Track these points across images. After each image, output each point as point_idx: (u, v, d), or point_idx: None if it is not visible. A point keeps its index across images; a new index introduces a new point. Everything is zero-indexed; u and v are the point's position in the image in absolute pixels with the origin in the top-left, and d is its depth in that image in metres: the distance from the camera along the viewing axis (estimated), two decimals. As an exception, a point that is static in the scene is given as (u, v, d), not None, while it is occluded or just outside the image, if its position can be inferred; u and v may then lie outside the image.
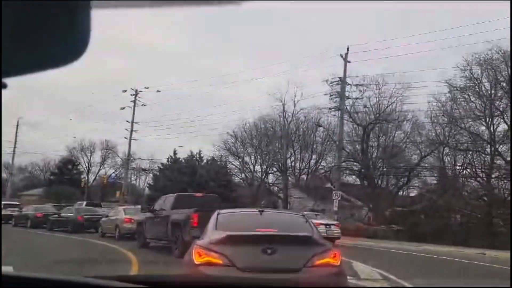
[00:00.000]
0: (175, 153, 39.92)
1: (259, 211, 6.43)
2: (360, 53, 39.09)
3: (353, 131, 35.78)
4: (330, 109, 33.31)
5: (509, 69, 26.28)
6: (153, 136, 53.83)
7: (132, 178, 59.06)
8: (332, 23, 65.53)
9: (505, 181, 29.16)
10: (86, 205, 29.22)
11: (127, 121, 43.98)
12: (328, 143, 38.46)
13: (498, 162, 28.70)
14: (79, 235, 19.87)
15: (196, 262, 5.20)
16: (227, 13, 69.64)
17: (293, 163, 41.61)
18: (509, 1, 15.50)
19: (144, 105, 43.83)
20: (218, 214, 6.18)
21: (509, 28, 21.37)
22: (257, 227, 5.66)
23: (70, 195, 43.18)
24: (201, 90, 69.67)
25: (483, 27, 41.59)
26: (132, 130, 43.93)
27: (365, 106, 33.95)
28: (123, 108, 43.63)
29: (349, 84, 32.10)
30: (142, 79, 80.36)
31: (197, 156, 39.86)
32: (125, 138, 44.49)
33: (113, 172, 54.66)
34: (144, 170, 51.31)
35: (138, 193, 55.65)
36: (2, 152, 45.42)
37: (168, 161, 40.19)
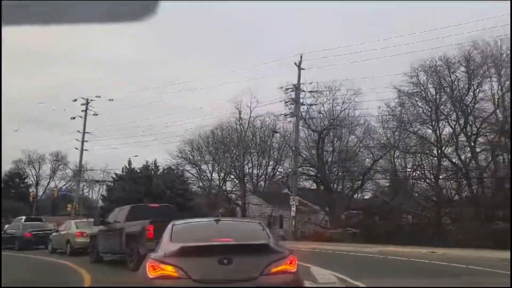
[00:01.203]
0: (129, 163, 38.97)
1: (215, 220, 6.37)
2: (314, 60, 40.01)
3: (309, 137, 36.47)
4: (285, 115, 33.82)
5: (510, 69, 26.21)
6: (106, 146, 52.42)
7: (85, 190, 57.06)
8: (288, 31, 66.71)
9: (451, 181, 30.68)
10: (25, 220, 26.76)
11: (78, 131, 42.52)
12: (285, 149, 38.94)
13: (445, 163, 30.10)
14: (27, 252, 18.88)
15: (150, 276, 5.08)
16: (181, 20, 69.21)
17: (250, 170, 41.77)
18: (509, 1, 16.06)
19: (96, 115, 42.57)
20: (173, 225, 6.07)
21: None
22: (213, 237, 5.59)
23: (17, 210, 41.03)
24: (156, 98, 68.48)
25: (429, 35, 43.64)
26: (83, 141, 42.48)
27: (319, 112, 34.77)
28: (74, 118, 42.17)
29: (303, 91, 32.75)
30: (93, 89, 78.09)
31: (153, 165, 39.09)
32: (76, 148, 42.96)
33: (64, 184, 52.57)
34: (97, 181, 49.69)
35: (91, 205, 53.72)
36: None
37: (122, 171, 39.15)
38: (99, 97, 41.54)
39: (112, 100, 41.21)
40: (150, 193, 34.63)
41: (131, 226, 12.84)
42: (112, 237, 13.68)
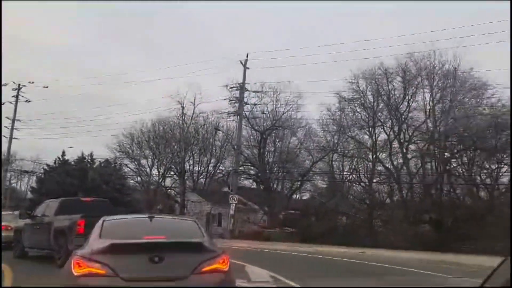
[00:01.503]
0: (63, 155, 37.10)
1: (149, 217, 6.17)
2: (259, 61, 40.38)
3: (251, 136, 36.71)
4: (229, 113, 33.80)
5: None
6: (39, 135, 49.43)
7: (12, 181, 53.54)
8: (234, 30, 66.73)
9: (384, 185, 32.21)
10: None
11: (8, 118, 39.80)
12: (227, 147, 38.90)
13: (379, 168, 31.54)
14: None
15: (75, 274, 4.84)
16: (123, 12, 66.97)
17: (191, 167, 41.28)
18: (509, 1, 16.51)
19: (29, 101, 40.08)
20: (103, 221, 5.85)
21: (510, 31, 21.97)
22: (145, 234, 5.42)
23: None
24: (95, 89, 65.75)
25: (370, 44, 45.59)
26: (13, 128, 39.84)
27: (262, 112, 35.10)
28: (3, 104, 39.38)
29: (248, 90, 32.89)
30: (27, 74, 73.49)
31: (89, 158, 37.49)
32: (5, 136, 40.18)
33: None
34: (26, 172, 46.76)
35: (19, 197, 50.47)
36: None
37: (55, 163, 37.18)
38: (32, 83, 39.17)
39: (47, 87, 39.05)
40: (85, 187, 33.19)
41: (61, 220, 12.21)
42: (39, 232, 12.94)
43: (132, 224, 6.27)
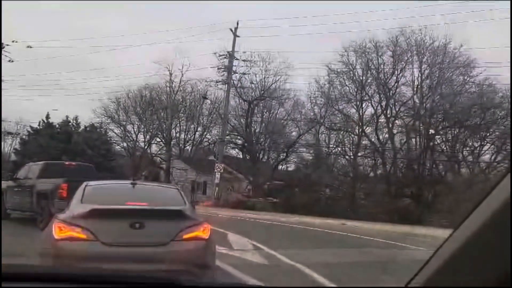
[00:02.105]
0: (47, 117, 36.56)
1: (132, 183, 6.22)
2: (250, 29, 39.68)
3: (239, 106, 36.54)
4: (217, 82, 33.45)
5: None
6: (22, 96, 48.41)
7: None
8: (225, -5, 65.04)
9: (368, 159, 32.66)
10: None
11: (-10, 77, 38.72)
12: (214, 116, 38.74)
13: (364, 142, 31.84)
14: None
15: (56, 237, 4.91)
16: (114, -31, 64.48)
17: (177, 134, 41.14)
18: (509, 1, 16.43)
19: (11, 61, 38.97)
20: (86, 186, 5.89)
21: (510, 31, 22.18)
22: (127, 200, 5.51)
23: None
24: (81, 51, 64.12)
25: (362, 16, 45.14)
26: (0, 88, 38.85)
27: (251, 82, 34.83)
28: (-16, 63, 38.23)
29: (237, 59, 32.46)
30: (8, 32, 70.96)
31: (74, 121, 37.03)
32: (-13, 97, 39.21)
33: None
34: (9, 133, 46.05)
35: (2, 159, 49.85)
36: None
37: (39, 125, 36.67)
38: (16, 42, 37.97)
39: (30, 47, 37.87)
40: (69, 151, 32.92)
41: (44, 183, 12.22)
42: (21, 194, 12.98)
43: (114, 190, 6.34)
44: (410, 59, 29.87)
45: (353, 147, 32.12)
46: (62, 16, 67.48)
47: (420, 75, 29.90)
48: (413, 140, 30.98)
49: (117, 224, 4.98)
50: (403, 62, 30.06)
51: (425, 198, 27.18)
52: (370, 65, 30.64)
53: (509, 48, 21.59)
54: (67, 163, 15.83)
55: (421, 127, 29.90)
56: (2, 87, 39.35)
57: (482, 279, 1.08)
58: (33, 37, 66.44)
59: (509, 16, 20.54)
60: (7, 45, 38.63)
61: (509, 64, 24.11)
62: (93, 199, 5.45)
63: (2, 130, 47.09)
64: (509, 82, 23.18)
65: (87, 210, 5.03)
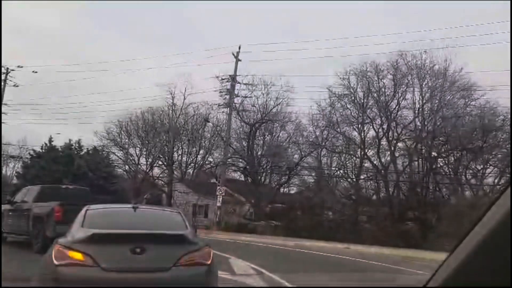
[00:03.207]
0: (50, 140, 36.70)
1: (133, 207, 6.16)
2: (251, 53, 40.15)
3: (241, 129, 36.63)
4: (219, 105, 33.65)
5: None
6: (26, 120, 48.69)
7: (-2, 166, 52.72)
8: (226, 21, 66.29)
9: (370, 182, 32.50)
10: None
11: (-5, 102, 39.10)
12: (216, 139, 38.77)
13: (366, 165, 31.73)
14: None
15: (56, 263, 4.81)
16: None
17: (179, 157, 41.06)
18: (509, 1, 16.65)
19: (17, 86, 39.45)
20: (86, 210, 5.80)
21: (510, 31, 22.57)
22: (128, 224, 5.46)
23: None
24: (85, 75, 64.69)
25: (361, 41, 45.71)
26: (0, 112, 39.17)
27: (253, 105, 34.98)
28: (-10, 87, 38.70)
29: (238, 83, 32.77)
30: (15, 57, 72.19)
31: (76, 145, 37.12)
32: (-9, 120, 39.51)
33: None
34: (12, 157, 46.14)
35: (4, 182, 49.79)
36: None
37: (42, 148, 36.77)
38: (21, 67, 38.51)
39: (36, 72, 38.39)
40: (71, 174, 32.93)
41: (39, 207, 12.35)
42: (18, 217, 13.07)
43: (115, 214, 6.27)
44: (411, 82, 30.09)
45: (356, 170, 32.00)
46: (65, 42, 68.63)
47: (421, 98, 30.06)
48: (416, 163, 30.88)
49: (118, 249, 4.89)
50: (403, 86, 30.26)
51: (428, 221, 26.90)
52: (371, 88, 30.84)
53: (509, 72, 21.68)
54: (63, 186, 15.98)
55: (424, 150, 29.85)
56: (7, 111, 39.79)
57: (497, 279, 1.12)
58: (37, 63, 67.26)
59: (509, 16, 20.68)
60: (13, 70, 39.22)
61: (509, 86, 24.20)
62: (94, 223, 5.37)
63: (5, 153, 47.30)
64: (509, 104, 23.28)
65: (87, 235, 4.95)
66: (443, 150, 30.16)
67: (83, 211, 5.77)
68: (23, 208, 13.06)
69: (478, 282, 1.18)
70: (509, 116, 25.69)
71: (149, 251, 4.91)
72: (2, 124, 39.94)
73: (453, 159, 30.26)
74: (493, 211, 1.14)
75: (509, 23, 20.79)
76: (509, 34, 22.33)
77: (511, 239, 1.06)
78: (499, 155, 28.01)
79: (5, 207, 14.20)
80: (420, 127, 30.00)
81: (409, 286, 5.57)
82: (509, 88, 23.74)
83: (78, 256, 4.79)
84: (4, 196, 16.86)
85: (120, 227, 5.32)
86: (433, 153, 29.76)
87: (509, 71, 22.35)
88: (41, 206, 12.25)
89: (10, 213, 13.63)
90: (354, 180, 32.00)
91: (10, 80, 39.28)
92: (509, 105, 26.18)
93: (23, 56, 68.82)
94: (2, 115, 39.36)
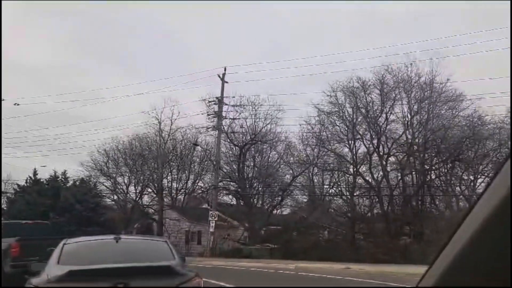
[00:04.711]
0: (35, 174, 35.74)
1: (115, 238, 5.64)
2: (237, 74, 40.05)
3: (230, 151, 36.14)
4: (207, 128, 33.20)
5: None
6: (10, 154, 47.46)
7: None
8: (211, 45, 66.61)
9: (364, 198, 32.05)
10: None
11: (-24, 136, 38.19)
12: (206, 163, 38.18)
13: (359, 181, 31.32)
14: None
15: None
16: (96, 26, 66.17)
17: (169, 184, 40.30)
18: (509, 1, 16.65)
19: (-3, 119, 38.61)
20: (64, 244, 5.30)
21: (510, 31, 22.53)
22: (110, 258, 4.98)
23: None
24: (68, 106, 64.02)
25: (347, 57, 46.07)
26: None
27: (241, 126, 34.54)
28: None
29: (226, 104, 32.46)
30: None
31: (62, 176, 36.19)
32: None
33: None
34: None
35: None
36: None
37: (26, 182, 35.76)
38: (4, 100, 37.78)
39: (18, 104, 37.71)
40: (57, 207, 31.94)
41: None
42: None
43: (96, 247, 5.75)
44: (398, 96, 30.07)
45: (349, 187, 31.56)
46: (47, 74, 68.12)
47: (409, 111, 30.02)
48: (409, 176, 30.61)
49: (99, 287, 4.42)
50: (391, 100, 30.20)
51: (426, 235, 26.43)
52: (359, 104, 30.72)
53: (508, 85, 21.70)
54: (23, 222, 16.50)
55: (415, 163, 29.63)
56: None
57: (487, 278, 1.10)
58: (19, 95, 66.44)
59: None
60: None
61: (509, 94, 24.23)
62: (72, 259, 4.92)
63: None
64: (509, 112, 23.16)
65: (64, 273, 4.47)
66: (434, 162, 29.98)
67: (60, 246, 5.27)
68: None
69: (471, 281, 1.15)
70: (499, 125, 25.67)
71: (134, 286, 4.46)
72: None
73: (445, 170, 30.07)
74: (482, 204, 1.10)
75: (508, 27, 20.81)
76: (509, 36, 22.53)
77: (506, 232, 1.02)
78: (490, 165, 27.88)
79: None
80: (410, 140, 29.84)
81: (402, 286, 5.40)
82: (507, 93, 23.81)
83: None
84: None
85: (101, 262, 4.84)
86: (425, 165, 29.53)
87: (509, 71, 22.46)
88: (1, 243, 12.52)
89: None
90: (349, 197, 31.52)
91: (-8, 114, 38.53)
92: (502, 111, 26.32)
93: (4, 89, 68.00)
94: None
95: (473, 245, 1.11)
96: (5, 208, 37.83)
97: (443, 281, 1.23)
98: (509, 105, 25.65)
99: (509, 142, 24.89)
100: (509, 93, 24.62)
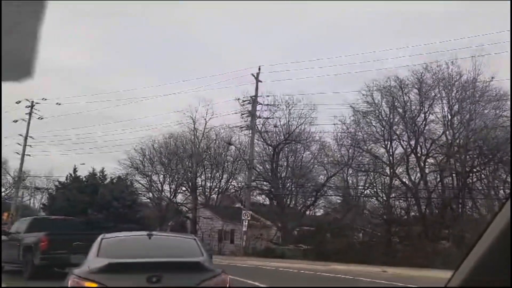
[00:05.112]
0: (75, 171, 36.84)
1: (148, 235, 5.97)
2: (271, 73, 39.86)
3: (264, 151, 36.04)
4: (241, 128, 33.22)
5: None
6: (52, 152, 49.39)
7: (25, 198, 53.49)
8: (245, 42, 66.80)
9: (400, 201, 31.19)
10: None
11: (21, 135, 39.91)
12: (239, 162, 38.26)
13: (396, 182, 30.50)
14: None
15: None
16: (132, 29, 67.71)
17: (203, 182, 40.66)
18: (509, 1, 16.43)
19: (41, 118, 40.19)
20: (102, 239, 5.78)
21: (510, 31, 22.06)
22: (144, 253, 5.41)
23: None
24: (106, 105, 66.00)
25: (382, 55, 45.09)
26: (25, 145, 39.86)
27: (275, 126, 34.34)
28: (16, 121, 39.58)
29: (260, 104, 32.37)
30: (39, 91, 74.22)
31: (100, 174, 37.17)
32: (18, 153, 40.25)
33: (4, 191, 48.99)
34: (37, 189, 46.65)
35: (31, 214, 50.26)
36: None
37: (66, 179, 36.93)
38: (46, 99, 39.28)
39: (59, 104, 39.08)
40: (95, 203, 32.80)
41: (29, 237, 13.37)
42: (12, 248, 14.03)
43: (130, 242, 6.22)
44: (438, 95, 29.06)
45: (385, 188, 30.79)
46: (85, 75, 70.30)
47: (449, 110, 28.96)
48: (448, 178, 29.55)
49: (134, 278, 4.82)
50: (430, 99, 29.23)
51: (467, 239, 25.40)
52: (396, 103, 29.91)
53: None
54: (53, 217, 17.62)
55: (456, 165, 28.56)
56: (32, 143, 40.43)
57: None
58: (61, 95, 68.86)
59: None
60: (37, 103, 40.07)
61: None
62: (109, 252, 5.35)
63: (32, 186, 47.90)
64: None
65: (103, 265, 4.89)
66: (476, 164, 28.80)
67: (98, 240, 5.74)
68: (16, 238, 14.16)
69: (498, 281, 1.17)
70: None
71: (165, 279, 4.82)
72: (28, 157, 40.61)
73: (487, 172, 28.84)
74: (509, 206, 1.11)
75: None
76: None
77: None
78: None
79: (3, 238, 15.21)
80: (450, 141, 28.78)
81: (431, 287, 5.39)
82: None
83: (93, 286, 4.72)
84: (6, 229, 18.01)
85: (135, 256, 5.27)
86: (466, 167, 28.41)
87: (509, 72, 21.55)
88: (30, 237, 13.21)
89: (7, 243, 14.58)
90: (384, 199, 30.75)
91: (35, 113, 40.10)
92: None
93: (47, 90, 70.72)
94: (27, 147, 40.05)
95: (499, 246, 1.11)
96: (46, 204, 39.28)
97: (470, 281, 1.24)
98: None
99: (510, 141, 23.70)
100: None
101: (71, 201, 33.42)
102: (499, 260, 1.14)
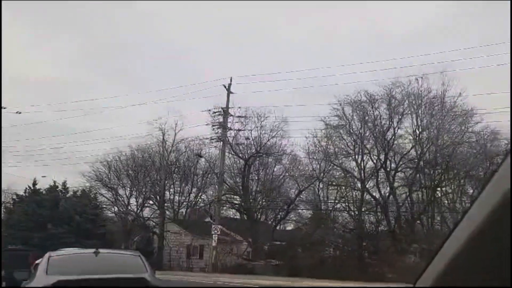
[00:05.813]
0: (34, 184, 35.03)
1: (94, 252, 6.15)
2: (242, 85, 39.40)
3: (234, 164, 35.45)
4: (212, 139, 32.50)
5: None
6: (10, 163, 46.87)
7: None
8: (216, 56, 66.46)
9: (371, 215, 31.19)
10: None
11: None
12: (209, 176, 37.46)
13: (367, 197, 30.48)
14: None
15: None
16: (100, 40, 66.22)
17: (171, 196, 39.52)
18: (509, 1, 16.55)
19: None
20: (49, 256, 5.91)
21: (510, 31, 22.33)
22: (90, 270, 5.53)
23: None
24: (70, 116, 63.48)
25: (355, 68, 45.73)
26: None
27: (247, 138, 33.76)
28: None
29: (231, 115, 31.82)
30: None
31: (62, 187, 35.49)
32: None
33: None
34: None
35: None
36: None
37: (25, 192, 35.05)
38: (5, 108, 37.35)
39: (19, 113, 37.21)
40: (56, 218, 31.20)
41: None
42: None
43: (77, 259, 6.43)
44: (407, 111, 29.46)
45: (356, 202, 30.75)
46: (49, 85, 67.95)
47: (418, 126, 29.40)
48: (416, 193, 29.83)
49: None
50: (399, 114, 29.59)
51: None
52: (366, 118, 30.12)
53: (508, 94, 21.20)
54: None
55: (424, 179, 28.89)
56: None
57: (484, 278, 1.10)
58: (21, 105, 66.05)
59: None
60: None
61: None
62: (58, 270, 5.50)
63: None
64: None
65: (53, 282, 5.11)
66: (443, 178, 29.23)
67: (46, 258, 5.84)
68: None
69: (469, 280, 1.15)
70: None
71: None
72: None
73: (455, 187, 29.31)
74: (480, 203, 1.09)
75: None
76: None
77: (504, 230, 0.99)
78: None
79: None
80: (419, 156, 29.14)
81: (398, 287, 5.22)
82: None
83: None
84: None
85: (83, 273, 5.47)
86: (434, 182, 28.78)
87: (509, 73, 22.09)
88: None
89: None
90: (356, 213, 30.67)
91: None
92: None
93: (7, 99, 67.63)
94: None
95: (470, 244, 1.08)
96: (3, 219, 37.09)
97: (440, 281, 1.22)
98: None
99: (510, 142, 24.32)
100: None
101: (29, 215, 31.70)
102: (475, 256, 1.10)
